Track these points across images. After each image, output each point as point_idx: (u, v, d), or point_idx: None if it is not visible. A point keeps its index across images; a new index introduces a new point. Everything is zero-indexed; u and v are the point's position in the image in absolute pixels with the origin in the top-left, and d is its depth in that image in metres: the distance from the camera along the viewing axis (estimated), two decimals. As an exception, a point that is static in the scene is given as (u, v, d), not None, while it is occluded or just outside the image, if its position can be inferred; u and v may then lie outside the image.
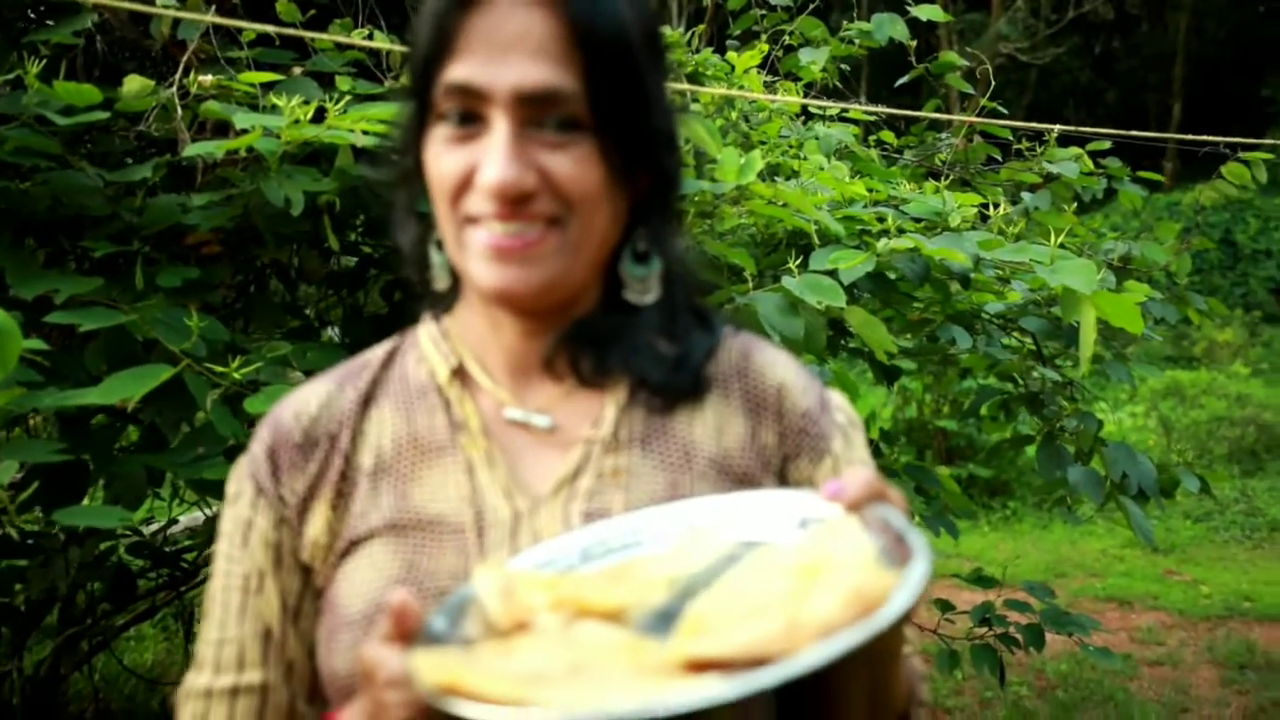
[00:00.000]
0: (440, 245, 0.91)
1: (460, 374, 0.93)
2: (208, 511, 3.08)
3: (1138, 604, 5.73)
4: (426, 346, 0.95)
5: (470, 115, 0.82)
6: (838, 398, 0.97)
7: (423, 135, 0.86)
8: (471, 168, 0.82)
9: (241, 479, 0.92)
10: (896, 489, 0.70)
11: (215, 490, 1.78)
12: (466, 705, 0.57)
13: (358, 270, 2.52)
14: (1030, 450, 3.26)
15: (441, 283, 0.93)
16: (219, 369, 1.69)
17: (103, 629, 3.19)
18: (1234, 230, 13.94)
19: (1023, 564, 6.21)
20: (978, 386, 3.42)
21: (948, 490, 3.47)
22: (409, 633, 0.67)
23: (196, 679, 0.90)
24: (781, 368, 0.94)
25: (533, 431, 0.90)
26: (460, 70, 0.81)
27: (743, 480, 0.89)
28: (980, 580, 3.21)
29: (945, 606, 3.22)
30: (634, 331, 0.90)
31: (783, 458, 0.91)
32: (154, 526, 3.28)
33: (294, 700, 0.89)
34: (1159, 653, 4.98)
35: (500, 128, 0.81)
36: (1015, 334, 3.11)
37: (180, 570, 3.19)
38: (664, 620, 0.65)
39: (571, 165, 0.82)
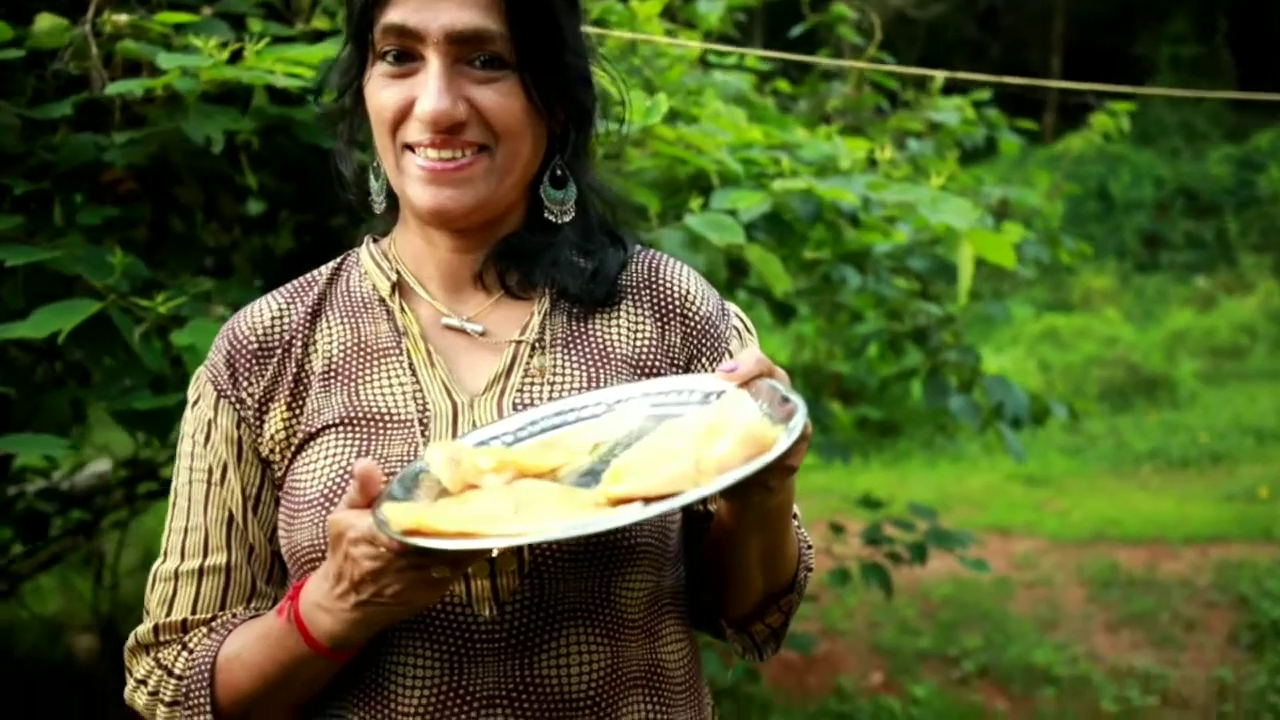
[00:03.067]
0: (378, 173, 1.02)
1: (400, 287, 1.04)
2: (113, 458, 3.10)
3: (1016, 532, 6.10)
4: (368, 264, 1.06)
5: (406, 54, 0.94)
6: (734, 306, 1.10)
7: (363, 74, 0.97)
8: (409, 100, 0.94)
9: (202, 384, 1.02)
10: (781, 368, 0.84)
11: (142, 422, 1.84)
12: (428, 541, 0.69)
13: (269, 212, 2.56)
14: (917, 387, 3.48)
15: (379, 206, 1.04)
16: (144, 303, 1.74)
17: (10, 574, 3.19)
18: (1108, 182, 14.56)
19: (910, 497, 6.52)
20: (869, 330, 3.61)
21: (839, 422, 3.68)
22: (372, 497, 0.78)
23: (164, 564, 1.00)
24: (685, 279, 1.07)
25: (467, 337, 1.01)
26: (397, 13, 0.92)
27: (653, 375, 1.02)
28: (869, 504, 3.43)
29: (838, 530, 3.44)
30: (554, 248, 1.03)
31: (688, 357, 1.04)
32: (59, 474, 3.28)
33: (255, 580, 1.00)
34: (1034, 575, 5.34)
35: (434, 64, 0.92)
36: (902, 275, 3.30)
37: (91, 514, 3.20)
38: (591, 477, 0.78)
39: (497, 98, 0.94)
